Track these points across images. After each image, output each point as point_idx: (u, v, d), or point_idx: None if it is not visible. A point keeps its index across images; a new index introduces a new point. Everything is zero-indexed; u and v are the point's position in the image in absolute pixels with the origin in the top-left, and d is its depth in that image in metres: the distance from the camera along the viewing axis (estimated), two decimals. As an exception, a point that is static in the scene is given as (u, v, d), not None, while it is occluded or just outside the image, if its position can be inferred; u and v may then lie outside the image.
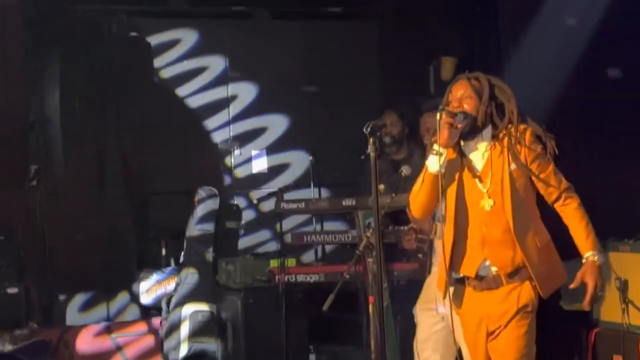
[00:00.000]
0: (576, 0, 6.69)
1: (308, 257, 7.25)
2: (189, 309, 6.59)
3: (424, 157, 4.60)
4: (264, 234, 7.82)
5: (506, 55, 7.36)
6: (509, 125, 4.17)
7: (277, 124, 8.05)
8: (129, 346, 6.67)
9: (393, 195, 5.40)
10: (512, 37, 7.26)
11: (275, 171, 7.99)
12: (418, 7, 7.67)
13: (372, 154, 4.13)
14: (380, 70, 8.15)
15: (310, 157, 7.21)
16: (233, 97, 7.98)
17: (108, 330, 6.66)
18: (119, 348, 6.63)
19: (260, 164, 8.02)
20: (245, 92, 8.01)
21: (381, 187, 5.15)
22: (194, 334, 6.52)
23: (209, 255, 6.79)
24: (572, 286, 4.16)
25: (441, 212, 4.38)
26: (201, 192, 6.87)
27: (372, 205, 4.23)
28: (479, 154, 4.22)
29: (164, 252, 7.28)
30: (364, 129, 4.14)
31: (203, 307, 6.60)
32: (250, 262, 6.53)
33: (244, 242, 7.46)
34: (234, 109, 8.00)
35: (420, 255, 5.46)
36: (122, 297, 7.30)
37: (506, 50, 7.39)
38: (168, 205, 7.49)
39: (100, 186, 7.32)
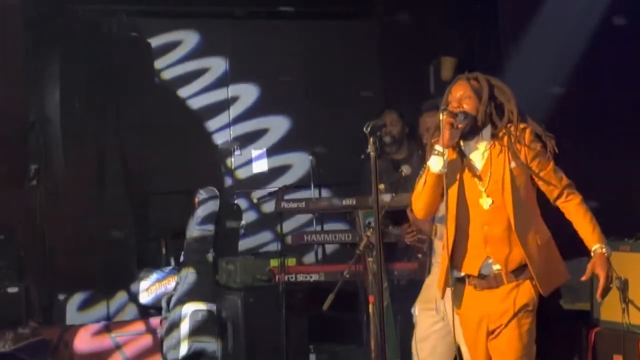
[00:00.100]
0: (576, 0, 6.69)
1: (309, 258, 7.25)
2: (189, 308, 6.59)
3: (424, 156, 4.62)
4: (266, 235, 7.82)
5: (506, 55, 7.37)
6: (509, 125, 4.19)
7: (278, 125, 8.05)
8: (127, 345, 6.67)
9: (393, 194, 5.40)
10: (512, 37, 7.27)
11: (276, 172, 7.98)
12: (418, 7, 7.68)
13: (372, 154, 4.14)
14: (380, 70, 8.15)
15: (310, 157, 7.22)
16: (234, 99, 7.98)
17: (106, 330, 6.67)
18: (117, 347, 6.64)
19: (260, 165, 8.02)
20: (246, 93, 8.01)
21: (381, 186, 5.16)
22: (194, 333, 6.52)
23: (209, 255, 6.80)
24: (583, 278, 4.19)
25: (441, 212, 4.40)
26: (202, 193, 6.87)
27: (372, 205, 4.24)
28: (479, 153, 4.23)
29: (163, 251, 7.29)
30: (364, 129, 4.15)
31: (203, 306, 6.60)
32: (250, 261, 6.53)
33: (245, 243, 7.47)
34: (235, 110, 8.00)
35: (420, 256, 5.46)
36: (121, 296, 7.30)
37: (506, 50, 7.40)
38: (168, 205, 7.50)
39: (100, 186, 7.32)
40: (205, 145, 7.86)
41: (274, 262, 6.19)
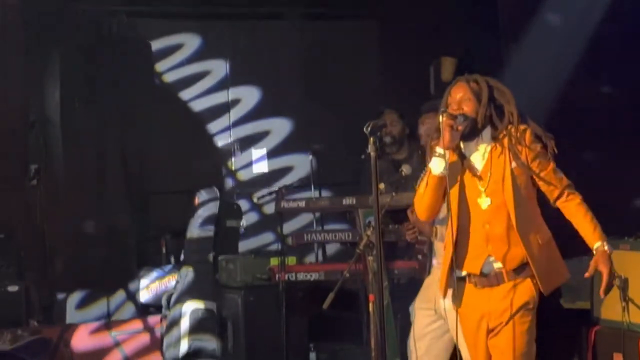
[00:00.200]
0: (576, 0, 6.70)
1: (310, 260, 7.26)
2: (189, 306, 6.60)
3: (424, 157, 4.63)
4: (268, 237, 7.81)
5: (506, 55, 7.37)
6: (509, 126, 4.20)
7: (279, 127, 8.04)
8: (125, 343, 6.68)
9: (393, 194, 5.41)
10: (512, 37, 7.27)
11: (278, 174, 7.97)
12: (418, 7, 7.67)
13: (372, 154, 4.15)
14: (380, 70, 8.15)
15: (311, 157, 7.22)
16: (236, 101, 7.98)
17: (105, 328, 6.67)
18: (117, 344, 6.64)
19: (261, 165, 8.02)
20: (247, 95, 8.00)
21: (381, 186, 5.16)
22: (194, 332, 6.53)
23: (210, 256, 6.81)
24: (586, 275, 4.21)
25: (442, 214, 4.41)
26: (203, 194, 6.89)
27: (373, 204, 4.25)
28: (479, 154, 4.25)
29: (164, 250, 7.29)
30: (364, 129, 4.17)
31: (203, 305, 6.61)
32: (250, 260, 6.53)
33: (247, 244, 7.48)
34: (237, 112, 7.99)
35: (420, 257, 5.47)
36: (119, 295, 7.30)
37: (506, 50, 7.40)
38: (168, 204, 7.50)
39: (100, 185, 7.32)
40: (205, 145, 7.86)
41: (274, 261, 6.19)
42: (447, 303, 4.52)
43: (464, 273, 4.25)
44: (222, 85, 7.96)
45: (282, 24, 8.06)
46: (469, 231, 4.21)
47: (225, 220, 6.93)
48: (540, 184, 4.23)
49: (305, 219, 7.45)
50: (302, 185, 7.44)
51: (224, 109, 7.96)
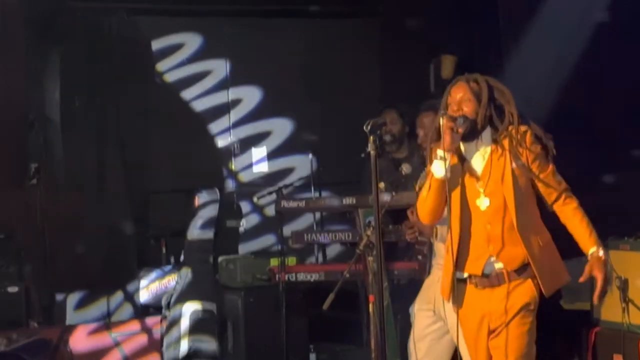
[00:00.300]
0: (576, 0, 6.69)
1: (311, 260, 7.25)
2: (189, 307, 6.60)
3: (424, 156, 4.62)
4: (269, 239, 7.78)
5: (506, 55, 7.37)
6: (510, 127, 4.20)
7: (280, 128, 8.03)
8: (123, 344, 6.68)
9: (393, 193, 5.40)
10: (512, 37, 7.27)
11: (279, 175, 7.94)
12: (418, 7, 7.67)
13: (372, 153, 4.15)
14: (380, 70, 8.14)
15: (311, 156, 7.21)
16: (237, 101, 7.96)
17: (104, 329, 6.67)
18: (116, 344, 6.64)
19: (261, 166, 8.00)
20: (248, 95, 7.99)
21: (381, 185, 5.16)
22: (194, 332, 6.53)
23: (210, 258, 6.82)
24: (581, 280, 4.24)
25: (444, 215, 4.41)
26: (204, 196, 6.89)
27: (373, 204, 4.24)
28: (480, 155, 4.26)
29: (164, 250, 7.29)
30: (364, 128, 4.16)
31: (203, 305, 6.61)
32: (250, 260, 6.53)
33: (248, 246, 7.46)
34: (237, 112, 7.97)
35: (420, 257, 5.46)
36: (119, 295, 7.29)
37: (506, 50, 7.40)
38: (168, 204, 7.50)
39: (100, 185, 7.31)
40: (206, 145, 7.85)
41: (274, 262, 6.18)
42: (447, 304, 4.52)
43: (465, 275, 4.25)
44: (222, 85, 7.95)
45: (282, 22, 8.05)
46: (470, 232, 4.22)
47: (225, 220, 6.93)
48: (539, 185, 4.24)
49: (307, 220, 7.44)
50: (302, 185, 7.43)
51: (224, 109, 7.95)
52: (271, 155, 8.00)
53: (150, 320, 6.76)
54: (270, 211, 7.57)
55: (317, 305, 4.89)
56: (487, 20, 7.59)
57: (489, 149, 4.23)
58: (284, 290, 6.01)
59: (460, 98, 4.22)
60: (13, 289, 6.53)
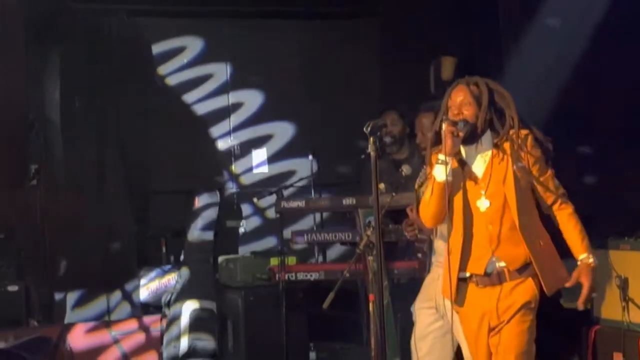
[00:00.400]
0: (576, 0, 6.70)
1: (310, 257, 7.25)
2: (189, 306, 6.61)
3: (424, 157, 4.63)
4: (270, 241, 7.77)
5: (506, 55, 7.37)
6: (511, 131, 4.23)
7: (282, 131, 8.02)
8: (122, 343, 6.68)
9: (393, 194, 5.41)
10: (512, 37, 7.27)
11: (280, 178, 7.93)
12: (418, 7, 7.67)
13: (372, 154, 4.16)
14: (380, 70, 8.15)
15: (311, 157, 7.22)
16: (238, 104, 7.95)
17: (104, 327, 6.68)
18: (116, 342, 6.64)
19: (262, 168, 7.99)
20: (249, 98, 7.98)
21: (381, 186, 5.16)
22: (194, 331, 6.54)
23: (210, 258, 6.82)
24: (567, 285, 4.27)
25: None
26: (204, 198, 6.90)
27: (373, 204, 4.25)
28: (481, 158, 4.29)
29: (164, 250, 7.29)
30: (364, 129, 4.17)
31: (203, 304, 6.61)
32: (250, 260, 6.54)
33: (249, 248, 7.43)
34: (239, 115, 7.96)
35: (420, 255, 5.47)
36: (119, 295, 7.29)
37: (506, 50, 7.40)
38: (168, 204, 7.50)
39: (101, 185, 7.32)
40: (207, 146, 7.84)
41: (274, 261, 6.19)
42: (447, 302, 4.52)
43: (467, 274, 4.27)
44: (223, 88, 7.94)
45: (282, 24, 8.05)
46: (472, 233, 4.25)
47: (225, 220, 6.93)
48: (538, 189, 4.28)
49: (307, 223, 7.43)
50: (303, 186, 7.43)
51: (225, 112, 7.94)
52: (273, 158, 7.99)
53: (148, 319, 6.77)
54: (272, 213, 7.56)
55: (317, 304, 4.90)
56: (487, 20, 7.60)
57: (489, 152, 4.26)
58: (284, 289, 6.01)
59: (461, 101, 4.24)
60: (13, 288, 6.54)
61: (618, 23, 6.43)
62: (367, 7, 8.09)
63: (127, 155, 7.43)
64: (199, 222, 6.95)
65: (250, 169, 7.96)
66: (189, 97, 7.79)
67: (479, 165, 4.28)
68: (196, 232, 6.91)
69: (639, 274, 5.38)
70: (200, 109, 7.84)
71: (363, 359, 5.48)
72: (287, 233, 6.28)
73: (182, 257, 7.00)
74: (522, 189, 4.22)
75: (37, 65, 7.16)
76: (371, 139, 4.16)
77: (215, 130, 7.87)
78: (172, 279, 6.89)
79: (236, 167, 7.92)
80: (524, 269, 4.22)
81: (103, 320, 6.93)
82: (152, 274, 7.00)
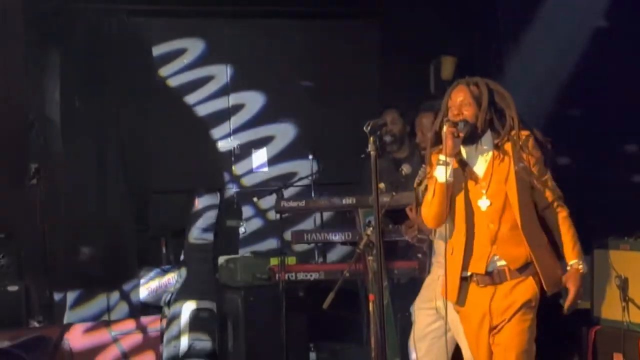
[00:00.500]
0: (576, 0, 6.70)
1: (310, 257, 7.24)
2: (189, 306, 6.61)
3: (424, 156, 4.63)
4: (271, 243, 7.76)
5: (506, 55, 7.38)
6: (511, 131, 4.23)
7: (283, 133, 8.01)
8: (120, 342, 6.70)
9: (393, 193, 5.41)
10: (512, 37, 7.27)
11: (281, 180, 7.91)
12: (418, 7, 7.67)
13: (372, 153, 4.16)
14: (380, 70, 8.14)
15: (311, 157, 7.21)
16: (239, 106, 7.94)
17: (104, 327, 6.68)
18: (115, 342, 6.64)
19: (262, 167, 7.98)
20: (250, 99, 7.97)
21: (381, 185, 5.16)
22: (194, 331, 6.54)
23: (210, 258, 6.82)
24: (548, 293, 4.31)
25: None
26: (205, 200, 6.90)
27: (373, 204, 4.25)
28: (482, 158, 4.31)
29: (164, 250, 7.29)
30: (364, 128, 4.18)
31: (203, 304, 6.61)
32: (250, 260, 6.54)
33: (251, 250, 7.42)
34: (240, 116, 7.95)
35: (420, 255, 5.47)
36: (117, 294, 7.29)
37: (506, 50, 7.40)
38: (168, 203, 7.49)
39: (101, 185, 7.31)
40: (207, 145, 7.83)
41: (274, 261, 6.19)
42: (449, 303, 4.52)
43: (468, 273, 4.28)
44: (224, 89, 7.93)
45: (282, 24, 8.04)
46: (474, 232, 4.26)
47: (225, 220, 6.93)
48: (537, 189, 4.29)
49: (308, 225, 7.43)
50: (303, 186, 7.43)
51: (225, 113, 7.93)
52: (274, 160, 7.97)
53: (146, 319, 6.77)
54: (273, 215, 7.56)
55: (317, 305, 4.90)
56: (487, 20, 7.60)
57: (490, 153, 4.27)
58: (284, 289, 6.01)
59: (461, 102, 4.26)
60: (13, 288, 6.54)
61: (618, 23, 6.43)
62: (367, 7, 8.08)
63: (127, 155, 7.42)
64: (199, 224, 6.95)
65: (250, 171, 7.94)
66: (189, 98, 7.78)
67: (480, 165, 4.29)
68: (196, 234, 6.91)
69: (639, 274, 5.38)
70: (201, 110, 7.83)
71: (363, 359, 5.48)
72: (288, 235, 6.28)
73: (182, 257, 7.00)
74: (523, 189, 4.23)
75: (37, 65, 7.16)
76: (371, 138, 4.16)
77: (216, 132, 7.86)
78: (172, 279, 6.89)
79: (237, 168, 7.90)
80: (524, 268, 4.23)
81: (102, 320, 6.92)
82: (152, 273, 7.00)
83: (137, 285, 7.04)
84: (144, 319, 6.78)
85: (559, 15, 6.82)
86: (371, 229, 5.01)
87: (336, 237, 6.15)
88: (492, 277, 4.25)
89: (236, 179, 7.86)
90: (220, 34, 7.89)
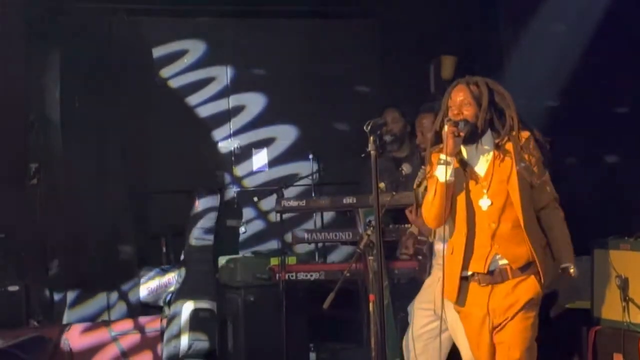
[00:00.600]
0: (576, 0, 6.70)
1: (310, 257, 7.23)
2: (189, 306, 6.61)
3: (424, 157, 4.64)
4: (272, 244, 7.75)
5: (506, 55, 7.37)
6: (511, 131, 4.24)
7: (284, 134, 8.00)
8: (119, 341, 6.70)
9: (393, 193, 5.41)
10: (512, 36, 7.27)
11: (282, 181, 7.89)
12: (418, 7, 7.67)
13: (372, 152, 4.16)
14: (380, 70, 8.14)
15: (311, 157, 7.21)
16: (239, 107, 7.93)
17: (104, 327, 6.68)
18: (115, 341, 6.65)
19: (262, 168, 7.97)
20: (251, 101, 7.96)
21: (382, 185, 5.16)
22: (194, 331, 6.53)
23: (210, 258, 6.82)
24: (545, 290, 4.34)
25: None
26: (205, 201, 6.90)
27: (373, 204, 4.25)
28: (482, 158, 4.32)
29: (164, 250, 7.29)
30: (365, 128, 4.18)
31: (203, 304, 6.61)
32: (250, 260, 6.54)
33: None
34: (241, 118, 7.94)
35: (419, 257, 5.47)
36: (115, 294, 7.29)
37: (506, 50, 7.40)
38: (169, 203, 7.49)
39: (101, 185, 7.30)
40: (207, 145, 7.82)
41: (274, 261, 6.19)
42: (447, 302, 4.52)
43: (469, 272, 4.28)
44: (225, 90, 7.92)
45: (282, 24, 8.04)
46: (475, 232, 4.27)
47: (225, 220, 6.93)
48: (534, 190, 4.31)
49: (309, 226, 7.41)
50: (303, 186, 7.42)
51: (225, 114, 7.92)
52: (275, 161, 7.96)
53: (144, 319, 6.77)
54: (274, 217, 7.55)
55: (317, 305, 4.90)
56: (487, 19, 7.59)
57: (491, 152, 4.27)
58: (284, 289, 6.01)
59: (461, 101, 4.27)
60: (13, 288, 6.54)
61: (618, 22, 6.43)
62: (367, 7, 8.07)
63: (127, 155, 7.42)
64: (200, 225, 6.94)
65: (251, 172, 7.93)
66: (191, 99, 7.77)
67: (481, 165, 4.30)
68: (197, 235, 6.91)
69: (639, 274, 5.38)
70: (202, 111, 7.82)
71: (363, 359, 5.47)
72: (289, 237, 6.28)
73: (182, 257, 7.00)
74: (525, 188, 4.25)
75: (37, 65, 7.15)
76: (371, 137, 4.17)
77: (216, 133, 7.85)
78: (172, 278, 6.89)
79: (237, 170, 7.89)
80: (526, 268, 4.25)
81: (101, 320, 6.92)
82: (152, 273, 7.00)
83: (136, 285, 7.03)
84: (142, 319, 6.77)
85: (559, 14, 6.81)
86: (371, 228, 5.01)
87: (336, 237, 6.15)
88: (494, 276, 4.25)
89: (237, 180, 7.85)
90: (222, 35, 7.88)
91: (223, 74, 7.88)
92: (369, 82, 8.07)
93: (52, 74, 7.24)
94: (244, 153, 7.89)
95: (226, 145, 7.85)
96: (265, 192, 6.96)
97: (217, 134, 7.84)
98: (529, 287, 4.24)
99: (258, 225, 7.78)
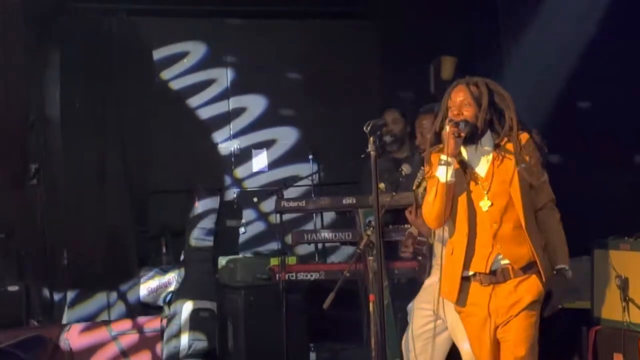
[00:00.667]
0: (576, 1, 6.70)
1: (310, 257, 7.23)
2: (189, 306, 6.61)
3: (424, 158, 4.64)
4: (273, 245, 7.75)
5: (506, 55, 7.37)
6: (512, 132, 4.24)
7: (285, 136, 8.00)
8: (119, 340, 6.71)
9: (393, 193, 5.41)
10: (512, 37, 7.27)
11: (283, 182, 7.89)
12: (418, 7, 7.67)
13: (372, 153, 4.16)
14: (380, 70, 8.15)
15: (311, 157, 7.21)
16: (240, 109, 7.94)
17: (104, 327, 6.68)
18: (114, 340, 6.65)
19: (262, 168, 7.97)
20: (251, 103, 7.96)
21: (382, 185, 5.17)
22: (194, 331, 6.54)
23: (210, 258, 6.82)
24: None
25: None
26: (205, 203, 6.90)
27: (373, 204, 4.25)
28: (483, 158, 4.32)
29: (164, 250, 7.29)
30: (364, 128, 4.18)
31: (203, 304, 6.61)
32: (250, 260, 6.54)
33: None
34: (241, 119, 7.94)
35: (419, 258, 5.47)
36: (114, 294, 7.29)
37: (506, 50, 7.40)
38: (169, 203, 7.50)
39: (101, 185, 7.31)
40: (207, 145, 7.83)
41: (274, 261, 6.19)
42: (447, 303, 4.52)
43: (470, 272, 4.28)
44: (225, 92, 7.92)
45: (282, 24, 8.04)
46: (476, 232, 4.27)
47: (225, 220, 6.93)
48: (534, 191, 4.32)
49: (311, 224, 7.43)
50: (303, 185, 7.42)
51: (225, 116, 7.93)
52: (275, 163, 7.96)
53: (142, 319, 6.77)
54: (274, 218, 7.55)
55: (318, 305, 4.90)
56: (487, 20, 7.60)
57: (492, 153, 4.28)
58: (284, 289, 6.01)
59: (461, 102, 4.27)
60: (13, 288, 6.55)
61: (618, 22, 6.43)
62: (367, 7, 8.08)
63: (127, 155, 7.42)
64: (200, 226, 6.94)
65: (251, 173, 7.94)
66: (191, 101, 7.78)
67: (482, 165, 4.30)
68: (197, 236, 6.91)
69: (639, 274, 5.38)
70: (202, 113, 7.82)
71: (363, 359, 5.47)
72: (289, 239, 6.27)
73: (182, 258, 7.00)
74: (525, 189, 4.25)
75: (37, 65, 7.16)
76: (371, 138, 4.17)
77: (216, 135, 7.86)
78: (172, 278, 6.89)
79: (238, 171, 7.90)
80: (528, 268, 4.25)
81: (100, 320, 6.93)
82: (152, 273, 7.00)
83: (136, 285, 7.04)
84: (141, 319, 6.78)
85: (559, 14, 6.81)
86: (371, 228, 5.01)
87: (336, 238, 6.15)
88: (496, 275, 4.26)
89: (237, 182, 7.86)
90: (222, 36, 7.89)
91: (223, 76, 7.89)
92: (369, 83, 8.08)
93: (52, 74, 7.25)
94: (244, 154, 7.90)
95: (226, 147, 7.85)
96: (265, 193, 6.96)
97: (217, 135, 7.85)
98: (531, 286, 4.24)
99: (258, 226, 7.79)
